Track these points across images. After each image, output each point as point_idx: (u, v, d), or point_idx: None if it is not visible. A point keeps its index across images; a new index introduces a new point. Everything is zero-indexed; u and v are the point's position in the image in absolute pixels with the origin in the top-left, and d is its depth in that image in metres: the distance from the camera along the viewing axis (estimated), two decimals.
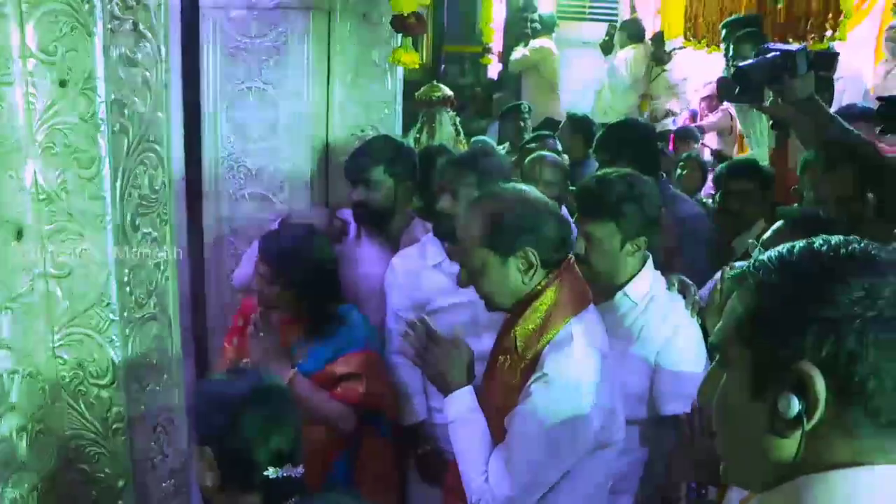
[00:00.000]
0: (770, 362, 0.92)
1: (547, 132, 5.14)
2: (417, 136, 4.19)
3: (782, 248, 0.96)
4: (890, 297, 0.87)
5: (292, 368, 2.46)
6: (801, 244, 0.95)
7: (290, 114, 3.04)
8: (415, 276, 2.59)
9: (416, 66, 3.29)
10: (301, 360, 2.55)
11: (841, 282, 0.89)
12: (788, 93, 2.57)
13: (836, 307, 0.88)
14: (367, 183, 2.81)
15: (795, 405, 0.89)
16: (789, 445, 0.91)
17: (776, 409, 0.91)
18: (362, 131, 3.23)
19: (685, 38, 6.03)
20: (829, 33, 4.03)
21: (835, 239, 0.93)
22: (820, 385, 0.88)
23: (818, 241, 0.94)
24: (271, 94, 3.04)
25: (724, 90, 3.08)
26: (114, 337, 1.18)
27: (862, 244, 0.93)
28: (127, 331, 1.20)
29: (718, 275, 2.63)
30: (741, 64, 2.69)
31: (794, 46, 2.63)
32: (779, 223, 2.15)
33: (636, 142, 3.31)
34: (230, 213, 3.12)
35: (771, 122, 3.03)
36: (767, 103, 2.74)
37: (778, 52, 2.59)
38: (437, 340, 1.95)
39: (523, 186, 1.97)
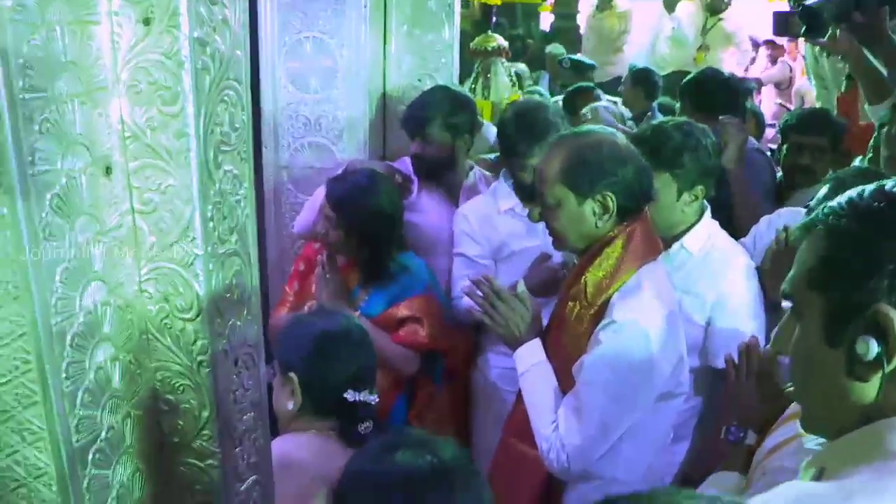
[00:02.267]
0: (845, 307, 0.91)
1: (590, 84, 5.08)
2: (473, 86, 4.17)
3: (852, 192, 0.95)
4: None
5: (355, 311, 2.51)
6: (872, 187, 0.93)
7: (347, 63, 3.04)
8: (488, 222, 2.61)
9: (498, 2, 3.27)
10: (362, 303, 2.60)
11: None
12: (860, 31, 2.48)
13: None
14: (425, 136, 2.81)
15: (874, 348, 0.88)
16: (869, 389, 0.91)
17: (853, 353, 0.90)
18: (419, 80, 3.23)
19: None
20: None
21: None
22: None
23: (890, 182, 0.92)
24: (328, 43, 3.03)
25: (781, 25, 2.96)
26: (198, 271, 1.20)
27: None
28: (210, 265, 1.22)
29: (763, 225, 2.57)
30: (809, 2, 2.59)
31: None
32: (825, 188, 2.10)
33: (726, 91, 3.27)
34: (289, 162, 3.15)
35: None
36: (826, 38, 2.66)
37: None
38: (504, 297, 1.95)
39: (611, 130, 1.94)
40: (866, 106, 2.53)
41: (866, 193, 0.92)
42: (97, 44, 1.11)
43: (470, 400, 2.84)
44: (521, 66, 5.59)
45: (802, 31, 2.68)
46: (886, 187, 0.91)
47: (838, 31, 2.55)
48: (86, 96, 1.10)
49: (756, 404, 1.74)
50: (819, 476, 0.96)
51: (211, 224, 1.20)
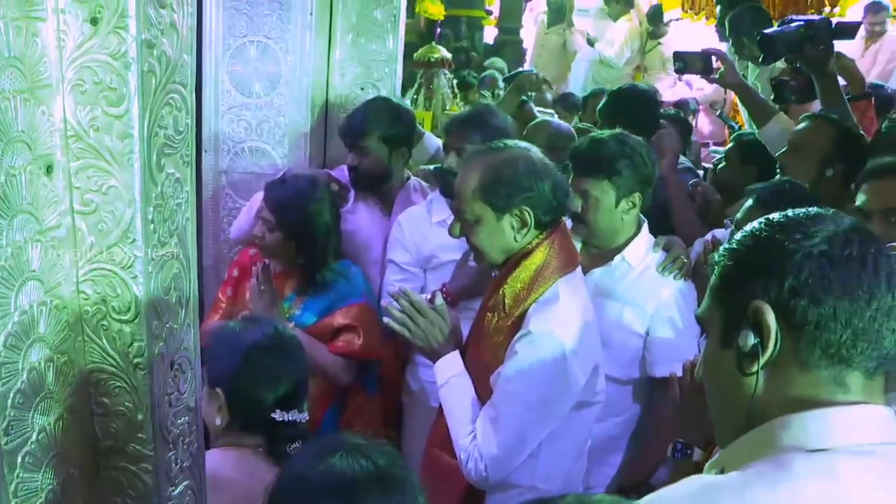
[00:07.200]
0: (733, 310, 1.03)
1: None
2: (415, 96, 4.21)
3: (754, 223, 1.07)
4: (828, 237, 0.97)
5: (289, 323, 2.49)
6: (763, 219, 1.06)
7: (291, 69, 3.04)
8: (420, 232, 2.64)
9: (441, 18, 3.30)
10: (297, 311, 2.59)
11: (787, 232, 1.00)
12: (809, 62, 2.66)
13: (781, 250, 0.99)
14: (362, 149, 2.81)
15: (751, 338, 0.99)
16: (751, 381, 1.01)
17: (738, 348, 1.01)
18: (362, 89, 3.24)
19: (682, 9, 6.04)
20: (827, 10, 4.05)
21: (801, 210, 1.04)
22: (769, 318, 0.98)
23: (777, 214, 1.05)
24: (273, 48, 3.03)
25: (681, 64, 3.18)
26: (137, 273, 1.19)
27: (819, 212, 1.03)
28: (149, 268, 1.21)
29: (698, 246, 2.68)
30: (767, 31, 2.77)
31: (816, 17, 2.74)
32: (749, 201, 2.21)
33: (638, 107, 3.37)
34: (229, 167, 3.13)
35: (773, 95, 3.08)
36: (717, 76, 2.92)
37: (802, 22, 2.68)
38: (422, 310, 1.96)
39: (526, 145, 1.98)
40: (757, 131, 2.76)
41: (759, 224, 1.05)
42: (42, 41, 1.10)
43: (401, 409, 2.85)
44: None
45: (761, 59, 2.89)
46: (773, 218, 1.04)
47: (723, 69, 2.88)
48: (29, 93, 1.09)
49: (700, 421, 1.78)
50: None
51: (151, 226, 1.20)
